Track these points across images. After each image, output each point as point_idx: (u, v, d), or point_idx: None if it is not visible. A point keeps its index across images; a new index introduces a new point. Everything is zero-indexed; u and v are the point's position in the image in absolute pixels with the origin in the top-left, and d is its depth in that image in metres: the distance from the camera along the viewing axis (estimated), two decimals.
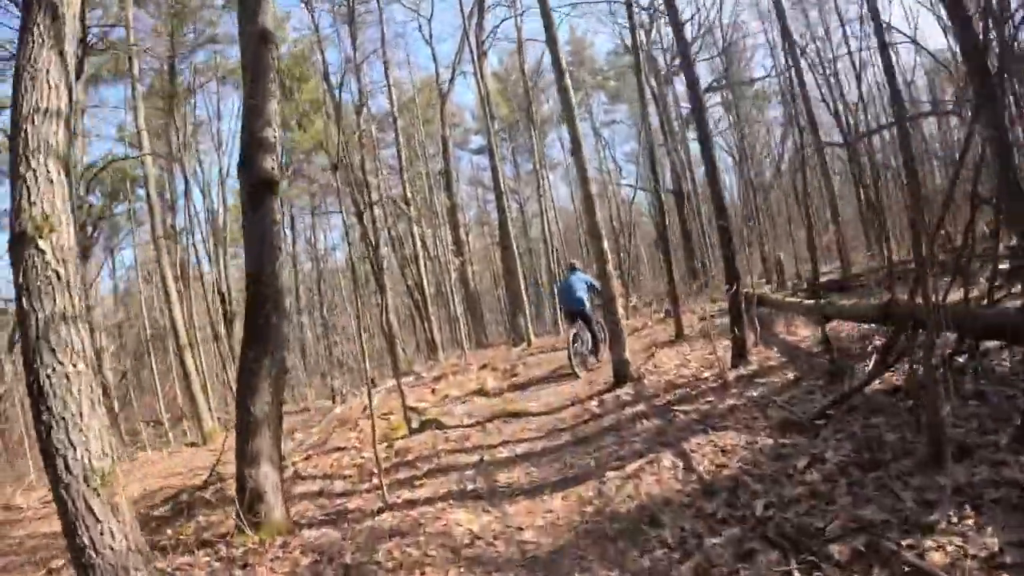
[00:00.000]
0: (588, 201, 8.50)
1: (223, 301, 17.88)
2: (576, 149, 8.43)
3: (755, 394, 5.86)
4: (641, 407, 6.59)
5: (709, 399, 6.27)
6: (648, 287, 25.66)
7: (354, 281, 17.14)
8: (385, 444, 6.99)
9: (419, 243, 19.66)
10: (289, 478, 6.45)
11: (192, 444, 12.26)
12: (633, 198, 30.79)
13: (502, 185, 14.61)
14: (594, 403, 7.37)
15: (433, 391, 11.16)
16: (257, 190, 4.39)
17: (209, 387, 13.63)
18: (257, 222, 4.36)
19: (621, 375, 7.88)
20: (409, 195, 20.49)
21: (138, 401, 19.16)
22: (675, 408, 6.15)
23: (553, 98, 34.42)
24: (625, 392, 7.46)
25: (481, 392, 10.25)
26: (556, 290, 11.85)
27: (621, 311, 13.00)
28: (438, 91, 22.60)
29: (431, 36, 28.38)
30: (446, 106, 22.75)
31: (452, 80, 22.51)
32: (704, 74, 23.13)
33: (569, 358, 9.32)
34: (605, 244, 8.26)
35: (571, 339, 9.53)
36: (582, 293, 9.77)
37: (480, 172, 37.56)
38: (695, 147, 20.61)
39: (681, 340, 10.19)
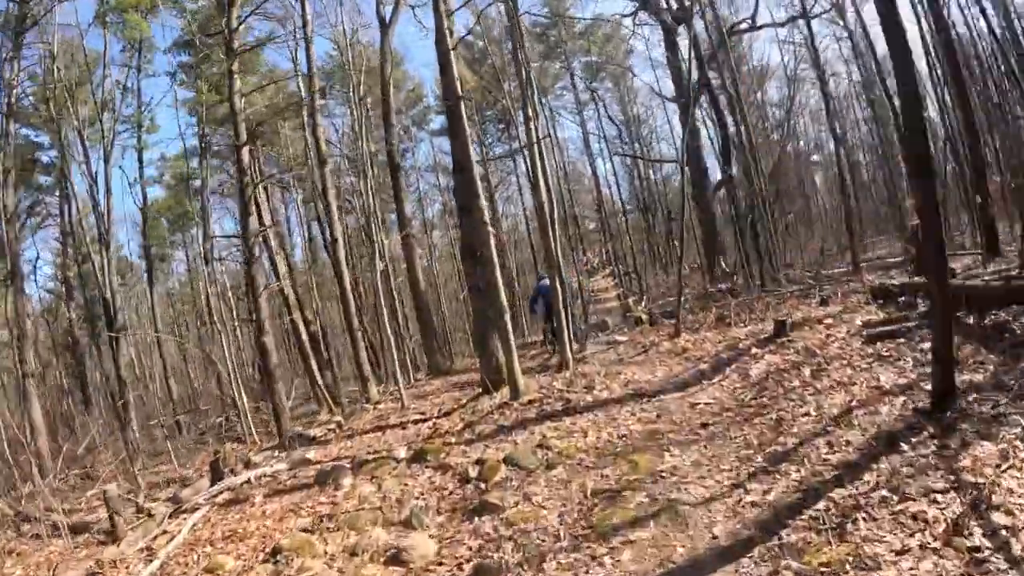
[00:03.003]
0: None
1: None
2: None
3: None
4: None
5: None
6: (662, 286, 18.96)
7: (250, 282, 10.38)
8: None
9: (334, 214, 12.64)
10: None
11: None
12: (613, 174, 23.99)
13: (463, 117, 7.58)
14: None
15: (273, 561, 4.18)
16: None
17: None
18: None
19: None
20: (325, 147, 13.47)
21: None
22: None
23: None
24: None
25: None
26: (535, 293, 11.39)
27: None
28: (379, 21, 15.58)
29: None
30: (388, 39, 15.73)
31: (396, 8, 15.52)
32: None
33: (547, 343, 11.04)
34: None
35: (548, 330, 10.89)
36: None
37: (443, 156, 30.39)
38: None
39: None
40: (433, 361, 15.17)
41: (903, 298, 7.34)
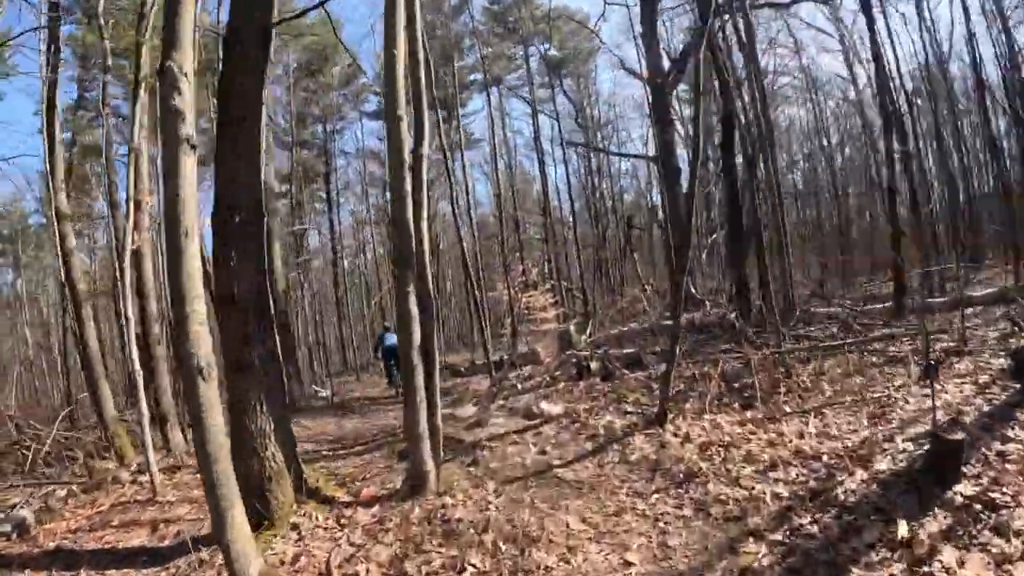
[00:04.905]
0: None
1: None
2: None
3: None
4: None
5: None
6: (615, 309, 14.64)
7: None
8: None
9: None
10: None
11: None
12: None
13: None
14: None
15: None
16: None
17: None
18: None
19: None
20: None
21: None
22: None
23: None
24: None
25: None
26: (377, 341, 12.67)
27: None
28: None
29: None
30: None
31: None
32: None
33: (392, 382, 11.30)
34: None
35: (392, 367, 11.24)
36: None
37: (374, 143, 25.39)
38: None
39: None
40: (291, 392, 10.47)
41: None
